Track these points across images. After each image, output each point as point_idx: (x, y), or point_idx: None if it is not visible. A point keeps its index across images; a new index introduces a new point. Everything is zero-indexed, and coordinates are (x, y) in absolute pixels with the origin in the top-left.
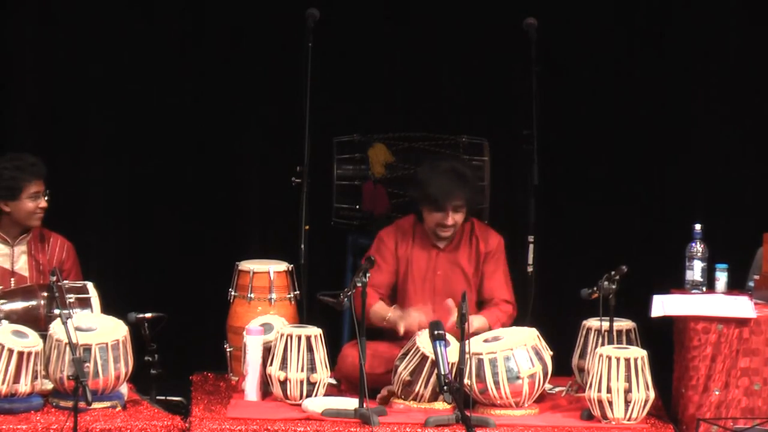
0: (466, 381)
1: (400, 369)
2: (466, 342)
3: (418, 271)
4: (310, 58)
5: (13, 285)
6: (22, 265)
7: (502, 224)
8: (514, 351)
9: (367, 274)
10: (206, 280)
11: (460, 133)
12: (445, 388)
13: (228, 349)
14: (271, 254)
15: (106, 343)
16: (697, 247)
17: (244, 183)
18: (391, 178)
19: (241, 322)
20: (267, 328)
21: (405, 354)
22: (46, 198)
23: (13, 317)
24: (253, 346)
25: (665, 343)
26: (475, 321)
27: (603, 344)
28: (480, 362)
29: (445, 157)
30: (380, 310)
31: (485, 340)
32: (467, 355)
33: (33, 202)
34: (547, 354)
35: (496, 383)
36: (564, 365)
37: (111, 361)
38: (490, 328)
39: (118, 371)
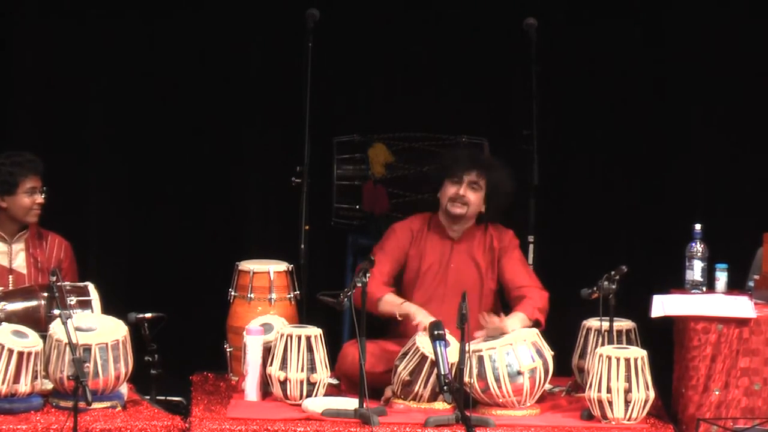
0: (467, 380)
1: (399, 369)
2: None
3: (431, 264)
4: (310, 58)
5: (11, 282)
6: (20, 263)
7: (502, 224)
8: (514, 346)
9: (368, 274)
10: (206, 280)
11: (460, 133)
12: (445, 388)
13: (228, 349)
14: (271, 254)
15: (106, 343)
16: (697, 247)
17: (244, 183)
18: (391, 178)
19: (241, 322)
20: (267, 328)
21: (404, 354)
22: (43, 194)
23: (13, 319)
24: (253, 346)
25: (665, 343)
26: (513, 322)
27: (603, 344)
28: (480, 359)
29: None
30: (392, 300)
31: (485, 339)
32: (467, 355)
33: (29, 198)
34: (548, 353)
35: (497, 379)
36: (564, 365)
37: (111, 361)
38: (531, 320)
39: (118, 371)
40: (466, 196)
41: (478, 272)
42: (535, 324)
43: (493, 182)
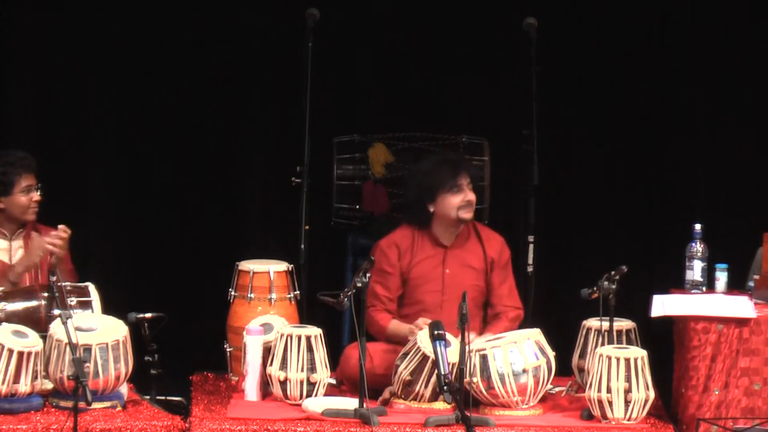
0: (472, 380)
1: (400, 369)
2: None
3: (426, 273)
4: (310, 58)
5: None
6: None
7: (502, 224)
8: (518, 344)
9: (368, 274)
10: (206, 280)
11: (460, 133)
12: (445, 388)
13: (228, 349)
14: (271, 254)
15: (106, 343)
16: (697, 247)
17: (244, 183)
18: (391, 178)
19: (241, 322)
20: (267, 328)
21: (405, 354)
22: (38, 191)
23: (13, 319)
24: (253, 346)
25: (665, 343)
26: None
27: (603, 344)
28: (484, 357)
29: (431, 153)
30: (398, 329)
31: (488, 340)
32: (470, 354)
33: (26, 196)
34: (551, 353)
35: (501, 377)
36: (564, 365)
37: (111, 361)
38: None
39: (118, 371)
40: (470, 195)
41: (475, 274)
42: None
43: (472, 175)
